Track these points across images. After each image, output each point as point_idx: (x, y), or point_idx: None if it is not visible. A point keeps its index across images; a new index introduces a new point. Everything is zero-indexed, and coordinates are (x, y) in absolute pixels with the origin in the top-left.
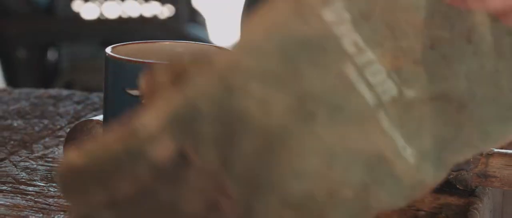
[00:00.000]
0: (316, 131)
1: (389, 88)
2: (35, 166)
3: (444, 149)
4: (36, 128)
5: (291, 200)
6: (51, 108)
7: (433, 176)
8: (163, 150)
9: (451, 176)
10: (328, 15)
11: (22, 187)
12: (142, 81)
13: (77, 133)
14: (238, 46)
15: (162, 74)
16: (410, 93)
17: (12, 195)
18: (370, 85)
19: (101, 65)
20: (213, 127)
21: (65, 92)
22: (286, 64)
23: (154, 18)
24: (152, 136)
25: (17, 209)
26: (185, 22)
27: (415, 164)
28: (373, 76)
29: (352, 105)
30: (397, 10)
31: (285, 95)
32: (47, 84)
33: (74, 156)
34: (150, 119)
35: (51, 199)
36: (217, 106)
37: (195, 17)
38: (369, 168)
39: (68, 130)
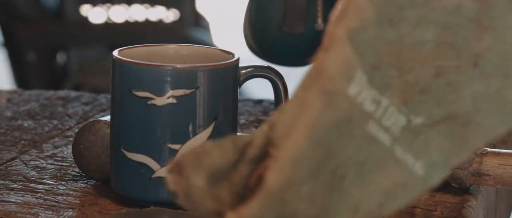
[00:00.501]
0: (345, 189)
1: (399, 121)
2: (45, 165)
3: (450, 158)
4: (46, 128)
5: None
6: (60, 109)
7: (438, 179)
8: None
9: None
10: (352, 89)
11: (32, 185)
12: (171, 180)
13: (85, 133)
14: (286, 160)
15: (194, 175)
16: (417, 120)
17: (23, 193)
18: (386, 129)
19: (108, 67)
20: None
21: (73, 93)
22: (321, 150)
23: (160, 22)
24: None
25: (27, 206)
26: (189, 26)
27: (424, 175)
28: (388, 119)
29: (373, 155)
30: (403, 51)
31: (322, 177)
32: (56, 86)
33: None
34: None
35: (60, 197)
36: None
37: (199, 21)
38: (386, 192)
39: (77, 130)
